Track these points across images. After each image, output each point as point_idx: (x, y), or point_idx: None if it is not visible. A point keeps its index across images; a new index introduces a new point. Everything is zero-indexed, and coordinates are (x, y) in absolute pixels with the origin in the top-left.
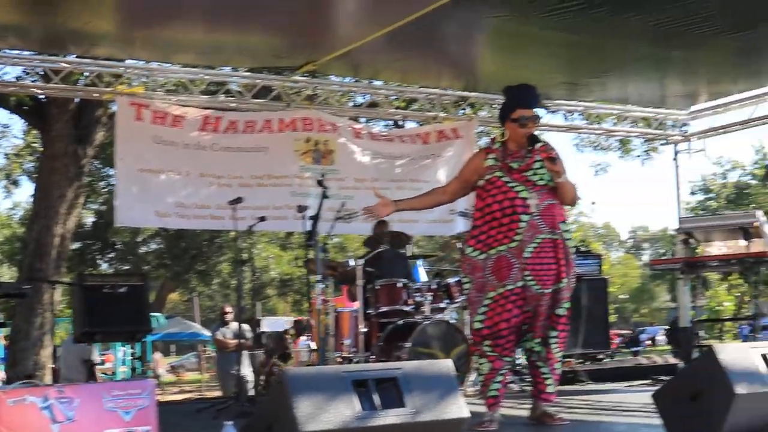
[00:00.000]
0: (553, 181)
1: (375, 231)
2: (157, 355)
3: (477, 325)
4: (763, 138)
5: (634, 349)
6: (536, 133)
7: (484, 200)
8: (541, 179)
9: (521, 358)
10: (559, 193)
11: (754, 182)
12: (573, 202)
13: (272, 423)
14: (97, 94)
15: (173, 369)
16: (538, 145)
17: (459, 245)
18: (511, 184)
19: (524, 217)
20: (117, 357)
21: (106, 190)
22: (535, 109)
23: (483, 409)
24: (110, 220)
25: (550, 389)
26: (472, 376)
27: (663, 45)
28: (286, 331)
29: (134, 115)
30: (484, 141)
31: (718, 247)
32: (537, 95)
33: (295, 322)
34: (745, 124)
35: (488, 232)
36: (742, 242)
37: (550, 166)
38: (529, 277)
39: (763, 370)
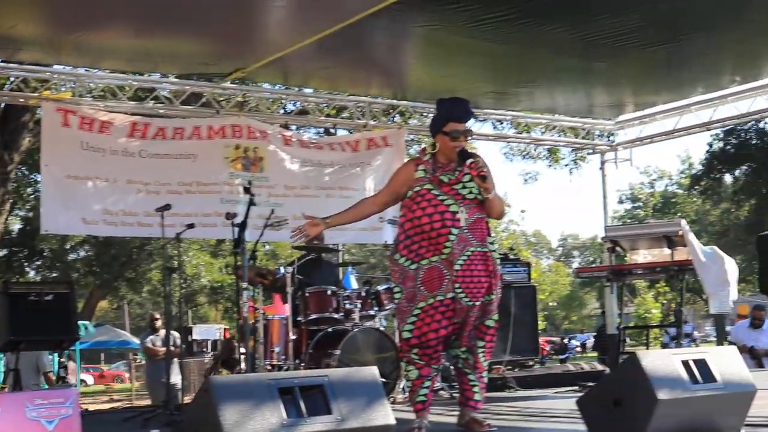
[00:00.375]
0: (483, 197)
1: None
2: (71, 364)
3: (406, 335)
4: (689, 148)
5: (562, 356)
6: (467, 147)
7: (414, 212)
8: (471, 192)
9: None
10: (487, 208)
11: (680, 191)
12: (500, 216)
13: (199, 431)
14: (23, 100)
15: (102, 377)
16: (469, 161)
17: (388, 253)
18: (440, 197)
19: (454, 231)
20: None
21: (33, 196)
22: (466, 124)
23: (412, 416)
24: (37, 226)
25: (477, 397)
26: (402, 383)
27: (589, 56)
28: (233, 337)
29: (61, 120)
30: (414, 149)
31: (643, 256)
32: (469, 109)
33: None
34: (670, 134)
35: (420, 243)
36: (667, 251)
37: (481, 184)
38: (459, 290)
39: (685, 376)
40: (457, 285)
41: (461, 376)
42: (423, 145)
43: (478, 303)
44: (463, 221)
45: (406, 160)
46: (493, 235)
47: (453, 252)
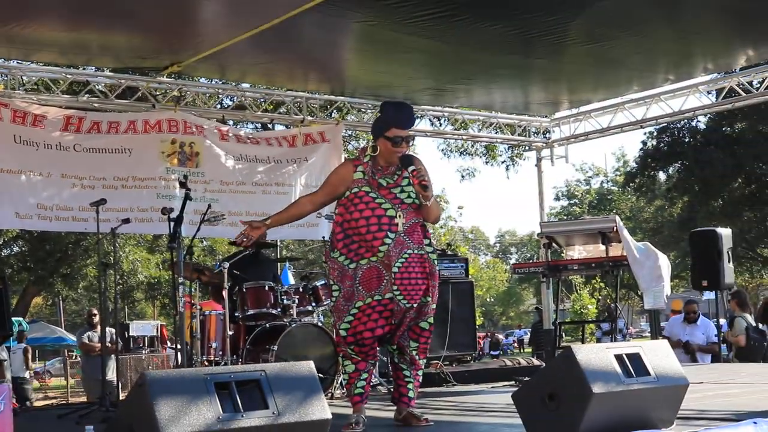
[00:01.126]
0: (421, 203)
1: None
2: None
3: (342, 333)
4: (624, 145)
5: (494, 352)
6: (408, 153)
7: (351, 213)
8: (409, 197)
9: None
10: (425, 213)
11: (615, 189)
12: (436, 221)
13: (133, 426)
14: None
15: (37, 374)
16: (411, 169)
17: (325, 249)
18: (378, 201)
19: (390, 234)
20: None
21: None
22: (409, 129)
23: (350, 410)
24: None
25: (411, 394)
26: (340, 378)
27: (525, 53)
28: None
29: None
30: (352, 145)
31: (578, 251)
32: (413, 116)
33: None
34: (604, 131)
35: (359, 242)
36: (602, 246)
37: (421, 192)
38: (397, 291)
39: (619, 370)
40: (395, 287)
41: (396, 371)
42: (361, 142)
43: (415, 305)
44: (401, 226)
45: (344, 159)
46: (430, 235)
47: (389, 255)
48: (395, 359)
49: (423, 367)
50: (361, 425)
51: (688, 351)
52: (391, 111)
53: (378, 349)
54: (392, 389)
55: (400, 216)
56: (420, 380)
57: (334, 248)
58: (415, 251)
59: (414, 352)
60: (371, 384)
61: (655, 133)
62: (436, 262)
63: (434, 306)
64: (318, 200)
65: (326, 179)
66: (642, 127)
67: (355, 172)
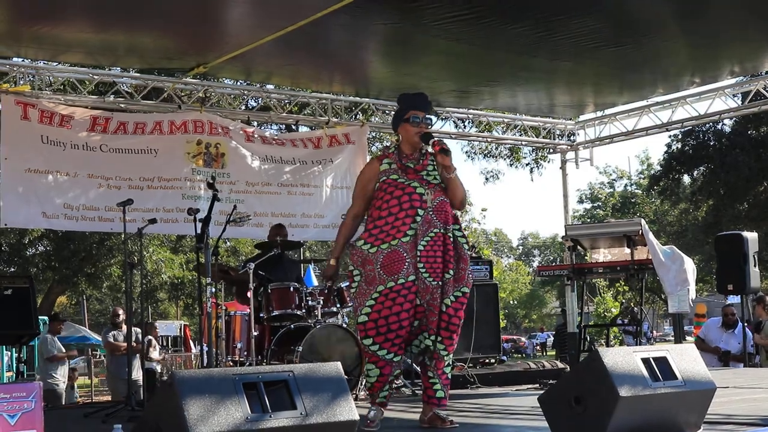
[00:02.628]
0: (445, 178)
1: (270, 234)
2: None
3: (362, 318)
4: (648, 148)
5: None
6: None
7: (382, 198)
8: (435, 179)
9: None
10: (449, 192)
11: (639, 192)
12: (461, 205)
13: (161, 425)
14: None
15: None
16: (432, 140)
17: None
18: (407, 182)
19: (420, 212)
20: (2, 361)
21: None
22: (426, 114)
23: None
24: None
25: (439, 394)
26: (365, 380)
27: (550, 56)
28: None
29: (20, 114)
30: (375, 147)
31: (603, 254)
32: (429, 101)
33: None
34: (629, 134)
35: (382, 227)
36: (627, 250)
37: (443, 159)
38: (423, 269)
39: (646, 374)
40: (420, 265)
41: (424, 374)
42: (386, 143)
43: (437, 283)
44: (429, 202)
45: (368, 158)
46: (461, 221)
47: (417, 234)
48: (426, 360)
49: (448, 362)
50: (377, 422)
51: (722, 359)
52: (408, 97)
53: (404, 342)
54: (421, 392)
55: (428, 193)
56: (448, 379)
57: (359, 238)
58: (440, 231)
59: (439, 338)
60: (396, 386)
61: (680, 136)
62: (466, 246)
63: (465, 290)
64: (359, 211)
65: (355, 185)
66: (667, 130)
67: (381, 165)
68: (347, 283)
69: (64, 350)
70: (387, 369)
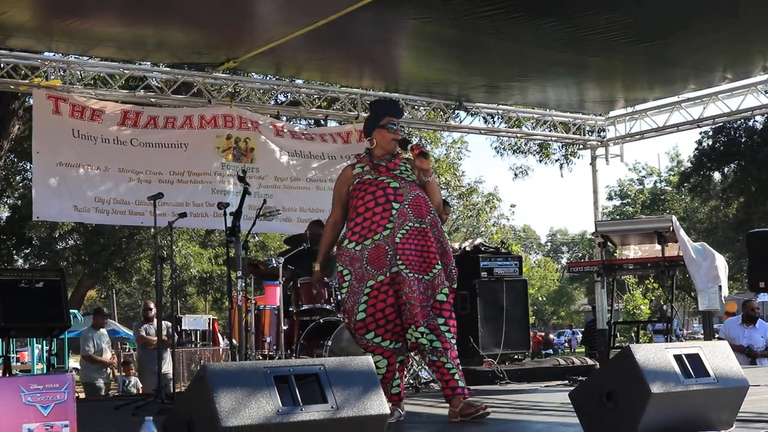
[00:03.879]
0: (422, 181)
1: (309, 230)
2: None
3: (360, 315)
4: (678, 144)
5: (546, 351)
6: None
7: (360, 198)
8: (409, 176)
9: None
10: (428, 194)
11: (668, 188)
12: (439, 207)
13: (193, 418)
14: (13, 86)
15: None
16: (410, 145)
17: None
18: (380, 179)
19: (395, 205)
20: (33, 353)
21: (21, 184)
22: (399, 120)
23: (408, 407)
24: (26, 214)
25: (461, 383)
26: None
27: (580, 51)
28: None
29: (52, 108)
30: None
31: (634, 251)
32: (400, 107)
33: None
34: (660, 130)
35: (362, 224)
36: (657, 246)
37: (421, 163)
38: (400, 262)
39: (678, 371)
40: (397, 257)
41: (437, 367)
42: (414, 139)
43: (419, 276)
44: (405, 195)
45: (344, 167)
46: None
47: (395, 227)
48: (432, 357)
49: (456, 351)
50: (393, 418)
51: (750, 355)
52: (382, 104)
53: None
54: (441, 389)
55: (403, 187)
56: (460, 368)
57: (344, 238)
58: (416, 224)
59: (445, 329)
60: (425, 381)
61: (711, 133)
62: (446, 237)
63: (449, 285)
64: (337, 218)
65: (333, 194)
66: (698, 127)
67: (353, 170)
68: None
69: (104, 346)
70: (393, 358)
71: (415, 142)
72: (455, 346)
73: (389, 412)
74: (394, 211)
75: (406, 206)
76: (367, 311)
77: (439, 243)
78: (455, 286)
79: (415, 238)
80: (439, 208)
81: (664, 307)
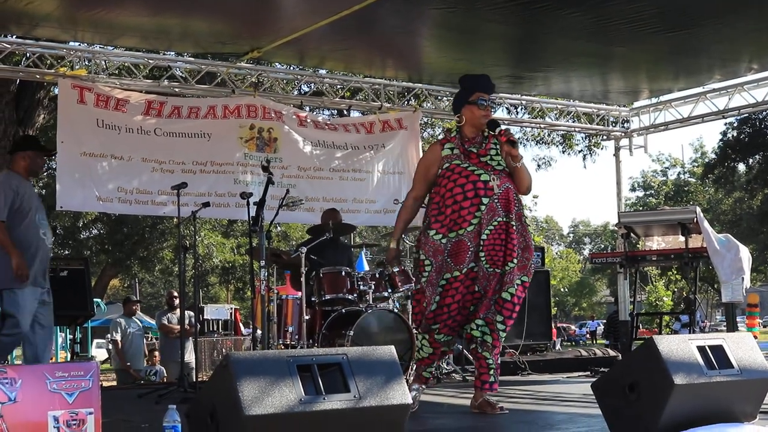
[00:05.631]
0: (511, 166)
1: (324, 219)
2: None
3: (434, 306)
4: (702, 136)
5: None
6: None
7: (445, 186)
8: (499, 164)
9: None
10: (516, 179)
11: (692, 180)
12: (527, 190)
13: (216, 406)
14: (39, 76)
15: None
16: (499, 129)
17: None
18: (470, 168)
19: (485, 200)
20: (57, 342)
21: (46, 174)
22: (491, 95)
23: (425, 397)
24: (50, 204)
25: (492, 379)
26: (416, 353)
27: (605, 41)
28: None
29: (77, 98)
30: (428, 133)
31: (657, 242)
32: (492, 82)
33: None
34: (685, 121)
35: (450, 216)
36: (681, 238)
37: (510, 150)
38: (484, 258)
39: (701, 362)
40: (482, 254)
41: (478, 359)
42: (437, 129)
43: (498, 271)
44: (496, 188)
45: (420, 144)
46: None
47: (481, 223)
48: (473, 346)
49: (500, 348)
50: (416, 404)
51: None
52: (471, 78)
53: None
54: (473, 377)
55: (494, 179)
56: (499, 364)
57: (429, 226)
58: (503, 219)
59: (502, 328)
60: (446, 372)
61: (735, 124)
62: (530, 234)
63: (525, 279)
64: (420, 194)
65: (417, 169)
66: (723, 118)
67: (443, 150)
68: (397, 268)
69: (134, 330)
70: (439, 350)
71: (503, 128)
72: (501, 345)
73: (411, 401)
74: (483, 207)
75: (496, 201)
76: (439, 303)
77: (522, 237)
78: (529, 279)
79: (501, 234)
80: (528, 191)
81: (691, 298)
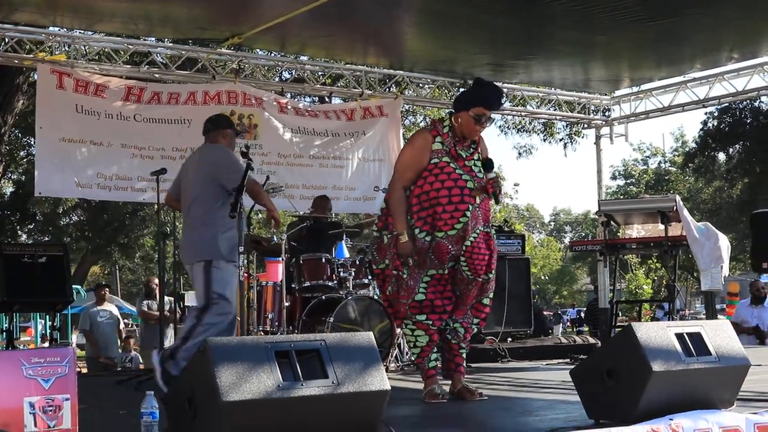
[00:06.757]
0: (491, 197)
1: (313, 206)
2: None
3: (420, 297)
4: (683, 125)
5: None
6: (491, 158)
7: (431, 184)
8: (480, 172)
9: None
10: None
11: (673, 169)
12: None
13: (194, 392)
14: (17, 61)
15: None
16: (490, 176)
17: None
18: (458, 172)
19: (470, 207)
20: (36, 329)
21: (26, 159)
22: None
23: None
24: (30, 190)
25: (464, 363)
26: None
27: (587, 29)
28: None
29: (56, 83)
30: (408, 121)
31: (637, 230)
32: (501, 99)
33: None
34: (665, 110)
35: (433, 216)
36: (661, 226)
37: (493, 199)
38: (464, 263)
39: (679, 349)
40: (462, 259)
41: (449, 344)
42: (418, 117)
43: (479, 279)
44: (478, 199)
45: (401, 132)
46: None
47: (465, 228)
48: (447, 335)
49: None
50: (445, 396)
51: (759, 336)
52: (482, 89)
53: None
54: (445, 363)
55: (477, 189)
56: (469, 346)
57: (412, 225)
58: (483, 229)
59: (476, 328)
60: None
61: (716, 113)
62: (495, 240)
63: (493, 283)
64: (408, 183)
65: (403, 157)
66: (704, 107)
67: (433, 142)
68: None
69: (103, 320)
70: (435, 336)
71: (493, 176)
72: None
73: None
74: (468, 213)
75: (477, 210)
76: (426, 295)
77: (494, 245)
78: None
79: (483, 243)
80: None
81: (671, 285)
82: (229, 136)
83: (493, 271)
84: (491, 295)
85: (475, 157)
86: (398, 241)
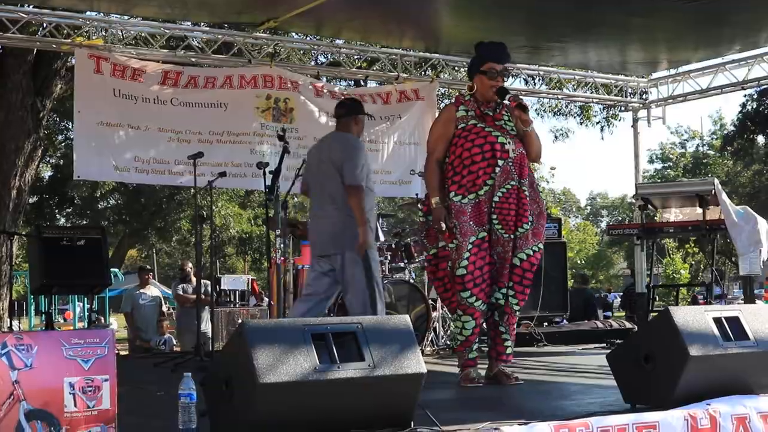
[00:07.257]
0: (521, 132)
1: None
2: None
3: (461, 271)
4: (721, 108)
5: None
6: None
7: (462, 146)
8: (513, 129)
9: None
10: (526, 145)
11: (711, 152)
12: (537, 158)
13: (231, 374)
14: (56, 46)
15: None
16: (508, 96)
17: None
18: (488, 129)
19: (500, 162)
20: (75, 311)
21: (64, 144)
22: (503, 65)
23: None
24: (68, 174)
25: (509, 351)
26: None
27: (624, 11)
28: None
29: (93, 67)
30: (444, 104)
31: (675, 214)
32: (507, 52)
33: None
34: (703, 93)
35: (468, 177)
36: (699, 210)
37: (520, 114)
38: (496, 221)
39: (717, 333)
40: (494, 217)
41: (493, 329)
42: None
43: (509, 236)
44: (511, 152)
45: (445, 105)
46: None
47: (494, 185)
48: (495, 317)
49: (516, 317)
50: (481, 380)
51: None
52: (485, 47)
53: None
54: (489, 347)
55: (509, 143)
56: (515, 335)
57: (449, 189)
58: (515, 184)
59: (510, 292)
60: None
61: (755, 96)
62: (542, 199)
63: (540, 246)
64: (440, 155)
65: (432, 132)
66: (743, 89)
67: (457, 111)
68: (415, 239)
69: (145, 302)
70: (480, 319)
71: (513, 93)
72: (517, 314)
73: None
74: (498, 169)
75: (510, 164)
76: (468, 268)
77: (535, 204)
78: (542, 246)
79: (513, 198)
80: (538, 158)
81: (712, 269)
82: (361, 122)
83: (524, 226)
84: (523, 256)
85: (505, 116)
86: (431, 207)
